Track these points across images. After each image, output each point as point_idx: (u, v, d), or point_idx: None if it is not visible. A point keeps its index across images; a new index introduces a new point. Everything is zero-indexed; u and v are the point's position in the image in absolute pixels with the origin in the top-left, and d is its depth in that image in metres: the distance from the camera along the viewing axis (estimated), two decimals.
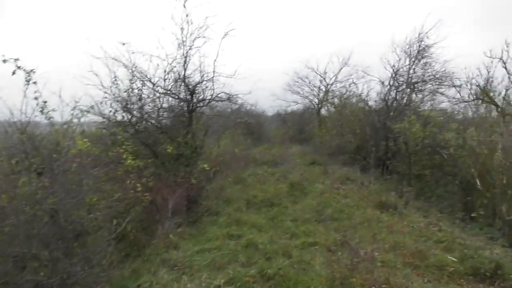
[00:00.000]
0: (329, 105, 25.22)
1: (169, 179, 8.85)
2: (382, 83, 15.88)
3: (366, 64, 27.09)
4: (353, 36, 52.74)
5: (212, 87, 10.50)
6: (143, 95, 9.98)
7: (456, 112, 13.87)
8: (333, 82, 25.37)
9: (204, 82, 10.44)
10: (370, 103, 17.04)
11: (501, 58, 8.70)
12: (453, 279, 5.67)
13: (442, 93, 15.03)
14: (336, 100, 23.52)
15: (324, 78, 25.72)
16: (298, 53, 57.36)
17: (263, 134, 31.76)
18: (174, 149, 9.58)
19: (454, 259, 5.63)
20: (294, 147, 25.82)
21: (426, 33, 14.32)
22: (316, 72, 26.24)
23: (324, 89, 26.15)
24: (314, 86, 26.70)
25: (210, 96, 10.61)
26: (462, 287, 5.32)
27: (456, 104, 14.50)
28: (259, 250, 6.68)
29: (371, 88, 17.83)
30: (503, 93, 9.65)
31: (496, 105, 9.47)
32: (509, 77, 8.76)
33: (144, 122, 10.44)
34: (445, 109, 14.78)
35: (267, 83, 54.64)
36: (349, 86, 21.10)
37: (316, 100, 26.86)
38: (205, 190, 11.05)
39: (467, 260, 5.89)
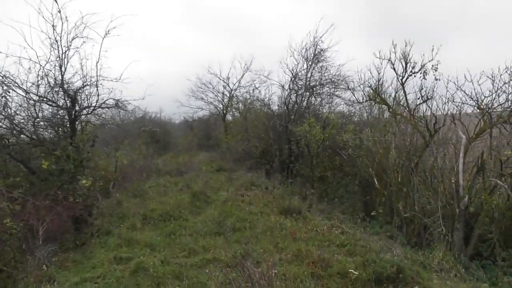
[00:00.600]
0: (233, 110, 24.87)
1: (45, 199, 7.55)
2: (282, 87, 15.82)
3: (267, 69, 27.26)
4: (253, 40, 53.39)
5: (96, 93, 9.32)
6: (8, 103, 8.46)
7: (352, 113, 14.22)
8: (236, 88, 25.08)
9: (87, 87, 9.22)
10: (273, 107, 16.90)
11: (389, 59, 8.83)
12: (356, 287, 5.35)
13: (338, 96, 15.36)
14: (240, 105, 23.23)
15: (228, 84, 25.35)
16: (198, 56, 56.57)
17: (170, 142, 30.50)
18: (51, 164, 8.25)
19: (355, 272, 5.29)
20: (201, 154, 25.02)
21: (320, 37, 14.53)
22: (219, 78, 25.75)
23: (228, 95, 25.72)
24: (218, 92, 26.22)
25: (95, 103, 9.41)
26: None
27: (351, 105, 14.89)
28: (149, 274, 5.79)
29: (273, 92, 17.75)
30: (393, 94, 9.88)
31: (388, 106, 9.66)
32: (397, 78, 8.91)
33: (15, 135, 8.94)
34: (342, 111, 15.09)
35: (168, 88, 53.18)
36: (252, 91, 20.90)
37: (221, 106, 26.37)
38: (96, 208, 9.82)
39: (370, 265, 5.60)
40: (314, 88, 15.39)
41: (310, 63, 14.58)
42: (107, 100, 9.71)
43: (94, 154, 10.97)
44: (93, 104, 9.38)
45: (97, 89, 9.38)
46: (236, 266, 5.73)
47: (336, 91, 15.15)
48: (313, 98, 15.68)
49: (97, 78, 9.22)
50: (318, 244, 7.05)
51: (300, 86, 15.51)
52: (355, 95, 13.45)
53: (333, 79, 14.98)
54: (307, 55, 14.63)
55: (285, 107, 15.51)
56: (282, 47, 31.93)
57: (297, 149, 13.47)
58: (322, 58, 14.47)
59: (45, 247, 6.56)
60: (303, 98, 15.16)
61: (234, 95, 25.01)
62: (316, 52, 14.37)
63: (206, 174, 16.41)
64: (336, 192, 11.43)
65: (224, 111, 25.91)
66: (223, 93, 25.92)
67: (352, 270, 5.27)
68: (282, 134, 14.93)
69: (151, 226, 8.77)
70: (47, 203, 7.46)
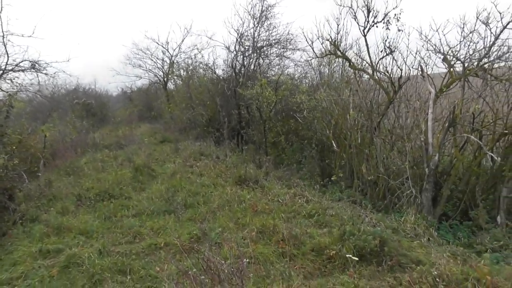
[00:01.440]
0: (175, 77, 23.12)
1: None
2: (228, 48, 14.48)
3: (210, 31, 25.43)
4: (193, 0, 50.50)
5: (5, 52, 7.60)
6: None
7: (303, 75, 13.30)
8: (177, 53, 23.19)
9: None
10: (218, 71, 15.56)
11: (350, 7, 7.88)
12: (337, 267, 4.49)
13: (287, 57, 14.35)
14: (182, 72, 21.57)
15: (167, 49, 23.36)
16: (135, 20, 52.90)
17: (108, 115, 28.23)
18: None
19: (355, 258, 4.39)
20: (143, 126, 23.26)
21: None
22: (157, 43, 23.68)
23: (168, 61, 23.79)
24: (157, 58, 24.14)
25: (5, 66, 7.69)
26: (352, 278, 4.11)
27: (301, 66, 13.98)
28: (83, 270, 4.58)
29: (218, 55, 16.31)
30: (354, 47, 8.92)
31: (348, 60, 8.77)
32: (359, 28, 7.99)
33: None
34: (292, 74, 14.10)
35: (102, 57, 49.53)
36: (195, 56, 19.29)
37: (162, 73, 24.40)
38: (19, 190, 8.25)
39: (348, 239, 4.75)
40: (262, 49, 14.23)
41: (257, 21, 13.34)
42: (21, 62, 8.02)
43: (14, 128, 9.23)
44: (2, 67, 7.65)
45: (6, 48, 7.66)
46: (192, 251, 4.66)
47: (285, 51, 14.12)
48: (261, 60, 14.53)
49: (2, 33, 7.48)
50: (283, 217, 6.13)
51: (246, 47, 14.29)
52: (307, 54, 12.61)
53: (281, 39, 13.90)
54: (253, 12, 13.37)
55: (231, 70, 14.26)
56: (226, 4, 29.94)
57: (247, 114, 12.41)
58: (270, 15, 13.28)
59: None
60: (251, 60, 13.97)
61: (175, 61, 23.18)
62: (263, 8, 13.15)
63: (150, 146, 14.96)
64: (292, 158, 10.58)
65: (165, 79, 24.06)
66: (162, 59, 23.98)
67: (351, 256, 4.36)
68: (230, 99, 13.75)
69: (87, 208, 7.39)
70: None
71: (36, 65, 8.11)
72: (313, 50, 8.90)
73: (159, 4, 51.94)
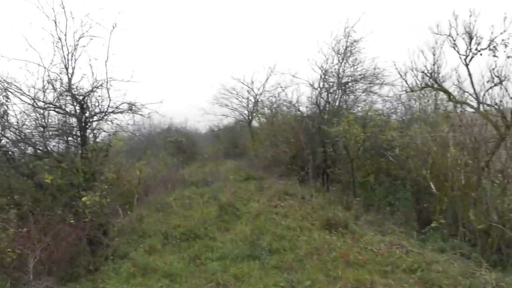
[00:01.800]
0: (259, 116, 23.34)
1: (46, 219, 6.22)
2: (312, 85, 14.18)
3: (294, 70, 25.52)
4: (276, 42, 51.53)
5: (108, 97, 8.02)
6: (8, 111, 7.28)
7: (391, 110, 12.45)
8: (261, 92, 23.53)
9: (97, 90, 7.94)
10: (302, 109, 15.29)
11: (449, 34, 7.13)
12: None
13: (374, 92, 13.64)
14: (266, 110, 21.72)
15: (252, 89, 23.84)
16: (222, 64, 55.35)
17: (196, 152, 29.30)
18: (57, 178, 6.96)
19: None
20: (228, 163, 23.59)
21: (352, 27, 12.83)
22: (243, 83, 24.30)
23: (253, 100, 24.22)
24: (243, 97, 24.72)
25: (107, 108, 8.10)
26: None
27: (393, 100, 13.15)
28: None
29: (302, 93, 16.07)
30: (453, 77, 8.01)
31: (448, 93, 7.91)
32: (460, 57, 7.18)
33: (21, 146, 7.75)
34: (380, 109, 13.32)
35: (191, 97, 52.32)
36: (278, 95, 19.31)
37: (246, 112, 24.89)
38: (112, 226, 8.49)
39: None
40: (347, 85, 13.72)
41: (341, 56, 12.94)
42: (120, 104, 8.43)
43: (111, 166, 9.66)
44: (104, 109, 8.08)
45: (108, 92, 8.09)
46: None
47: (372, 86, 13.44)
48: (345, 96, 13.99)
49: (107, 80, 7.92)
50: (379, 270, 5.41)
51: (331, 83, 13.89)
52: (396, 89, 11.88)
53: (366, 74, 13.27)
54: (338, 48, 13.00)
55: (316, 107, 13.91)
56: (309, 42, 29.84)
57: (333, 152, 11.84)
58: (355, 50, 12.80)
59: (38, 283, 5.18)
60: (336, 96, 13.51)
61: (259, 99, 23.50)
62: (348, 43, 12.73)
63: (234, 184, 14.93)
64: (383, 200, 9.72)
65: (250, 117, 24.44)
66: (247, 98, 24.47)
67: None
68: (315, 136, 13.32)
69: (173, 247, 7.29)
70: (46, 224, 6.15)
71: (133, 107, 8.44)
72: (406, 83, 8.15)
73: (245, 46, 54.07)
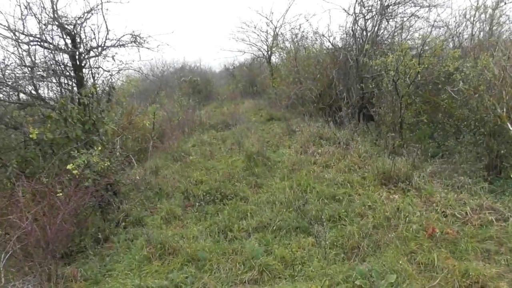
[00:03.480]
0: (279, 50, 21.07)
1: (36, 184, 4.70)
2: (346, 11, 11.89)
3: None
4: None
5: (106, 26, 6.19)
6: None
7: (450, 37, 10.25)
8: (281, 24, 21.07)
9: (90, 17, 6.09)
10: (332, 40, 13.09)
11: None
12: None
13: (420, 17, 11.37)
14: (287, 44, 19.43)
15: (271, 20, 21.31)
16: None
17: (212, 92, 27.52)
18: (47, 131, 5.36)
19: None
20: (247, 102, 21.78)
21: None
22: (261, 14, 21.75)
23: (272, 33, 21.73)
24: (261, 31, 22.18)
25: (104, 40, 6.30)
26: None
27: (440, 28, 10.98)
28: None
29: (331, 22, 13.77)
30: None
31: None
32: None
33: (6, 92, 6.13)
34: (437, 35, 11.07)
35: (205, 33, 49.19)
36: (300, 26, 16.93)
37: (265, 47, 22.47)
38: (123, 184, 7.05)
39: None
40: (388, 9, 11.43)
41: None
42: (122, 36, 6.61)
43: (117, 111, 8.02)
44: (103, 42, 6.27)
45: (105, 19, 6.24)
46: None
47: (418, 10, 11.14)
48: (386, 23, 11.74)
49: (101, 1, 6.04)
50: (482, 251, 3.83)
51: (368, 8, 11.60)
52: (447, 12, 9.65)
53: None
54: None
55: (351, 37, 11.76)
56: None
57: (376, 89, 9.93)
58: None
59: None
60: (377, 23, 11.29)
61: (280, 32, 21.06)
62: None
63: (257, 126, 13.29)
64: (443, 145, 7.98)
65: (269, 53, 22.13)
66: (266, 31, 21.96)
67: None
68: (350, 70, 11.32)
69: (196, 212, 5.80)
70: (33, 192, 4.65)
71: (138, 38, 6.61)
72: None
73: None
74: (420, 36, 7.90)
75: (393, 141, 8.39)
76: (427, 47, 8.35)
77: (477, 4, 10.60)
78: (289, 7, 20.60)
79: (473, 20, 10.85)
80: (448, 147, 7.78)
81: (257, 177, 7.06)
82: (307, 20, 17.61)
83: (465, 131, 7.60)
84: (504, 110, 6.88)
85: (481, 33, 10.71)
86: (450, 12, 13.34)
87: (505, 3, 10.11)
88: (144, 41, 6.75)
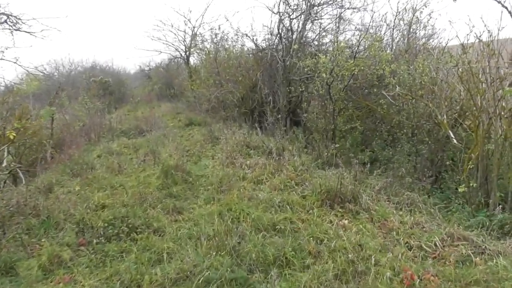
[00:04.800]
0: (197, 51, 19.58)
1: None
2: (271, 10, 10.81)
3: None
4: None
5: None
6: None
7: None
8: (200, 24, 19.49)
9: None
10: (257, 40, 11.98)
11: None
12: None
13: (345, 19, 10.75)
14: (207, 44, 18.03)
15: (189, 19, 19.64)
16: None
17: (126, 94, 25.10)
18: None
19: None
20: (163, 106, 19.94)
21: None
22: (178, 12, 20.02)
23: (190, 33, 20.09)
24: (179, 30, 20.41)
25: None
26: None
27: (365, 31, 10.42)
28: None
29: (254, 20, 12.66)
30: None
31: None
32: None
33: None
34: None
35: (120, 32, 45.85)
36: (219, 27, 15.62)
37: (183, 47, 20.75)
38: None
39: None
40: (313, 9, 10.60)
41: None
42: None
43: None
44: None
45: None
46: None
47: (343, 12, 10.48)
48: (311, 24, 10.93)
49: None
50: None
51: (293, 7, 10.69)
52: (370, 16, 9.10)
53: None
54: None
55: (277, 37, 10.73)
56: None
57: (305, 92, 8.94)
58: None
59: None
60: (305, 23, 10.38)
61: (198, 33, 19.56)
62: None
63: (175, 132, 11.70)
64: (380, 154, 7.19)
65: (187, 53, 20.50)
66: (184, 31, 20.28)
67: None
68: (277, 72, 10.27)
69: (92, 255, 4.16)
70: None
71: (13, 18, 4.75)
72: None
73: None
74: (346, 40, 7.09)
75: (327, 150, 7.45)
76: (361, 47, 7.55)
77: (397, 9, 10.28)
78: (208, 6, 19.05)
79: (393, 26, 10.51)
80: (386, 156, 7.01)
81: (175, 199, 5.59)
82: (227, 20, 16.22)
83: (403, 139, 6.90)
84: (445, 117, 6.26)
85: (401, 38, 10.41)
86: (371, 16, 12.76)
87: (421, 12, 9.86)
88: (23, 23, 4.90)
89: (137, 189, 6.05)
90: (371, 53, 7.17)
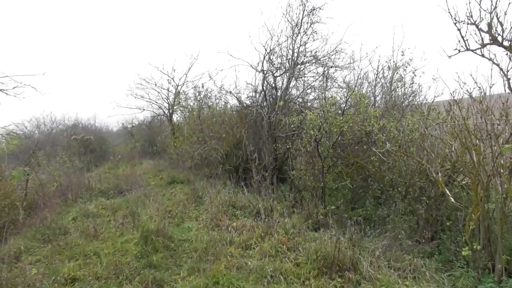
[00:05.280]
0: (181, 109, 19.44)
1: None
2: (254, 68, 10.80)
3: (231, 48, 21.45)
4: (200, 28, 46.76)
5: None
6: None
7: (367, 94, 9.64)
8: (184, 82, 19.54)
9: None
10: (240, 97, 11.89)
11: None
12: None
13: (329, 77, 10.79)
14: (190, 102, 17.95)
15: (173, 78, 19.66)
16: (139, 50, 48.99)
17: (107, 151, 24.47)
18: None
19: None
20: (145, 163, 19.40)
21: None
22: (162, 71, 20.14)
23: (174, 91, 20.06)
24: (162, 88, 20.37)
25: None
26: None
27: (346, 89, 10.44)
28: None
29: (238, 78, 12.68)
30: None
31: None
32: None
33: None
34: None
35: (103, 89, 46.00)
36: (202, 86, 15.62)
37: (166, 105, 20.61)
38: None
39: None
40: (297, 67, 10.61)
41: (298, 29, 9.77)
42: None
43: None
44: None
45: None
46: None
47: (328, 69, 10.51)
48: (295, 81, 10.91)
49: None
50: None
51: (277, 65, 10.71)
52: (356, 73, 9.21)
53: (322, 54, 10.30)
54: (292, 18, 9.79)
55: (261, 95, 10.63)
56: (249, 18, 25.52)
57: (292, 149, 8.64)
58: (314, 19, 9.66)
59: None
60: (289, 80, 10.32)
61: (182, 91, 19.55)
62: (305, 12, 9.57)
63: (157, 191, 11.10)
64: (374, 213, 6.78)
65: (171, 111, 20.33)
66: (168, 89, 20.25)
67: None
68: (262, 129, 10.03)
69: None
70: None
71: None
72: (462, 36, 4.83)
73: (165, 31, 48.46)
74: (330, 97, 6.97)
75: (317, 209, 7.01)
76: (348, 104, 7.40)
77: (377, 68, 10.44)
78: (192, 65, 19.19)
79: (375, 84, 10.61)
80: (380, 215, 6.60)
81: (155, 269, 4.95)
82: (211, 78, 16.19)
83: (397, 197, 6.54)
84: (439, 174, 5.97)
85: (383, 95, 10.47)
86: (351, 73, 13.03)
87: (404, 69, 10.01)
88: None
89: (113, 257, 5.40)
90: (359, 109, 6.99)
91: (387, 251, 5.18)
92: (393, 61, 9.68)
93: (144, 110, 21.37)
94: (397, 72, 9.99)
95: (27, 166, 10.60)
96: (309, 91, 10.73)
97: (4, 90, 4.73)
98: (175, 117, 20.46)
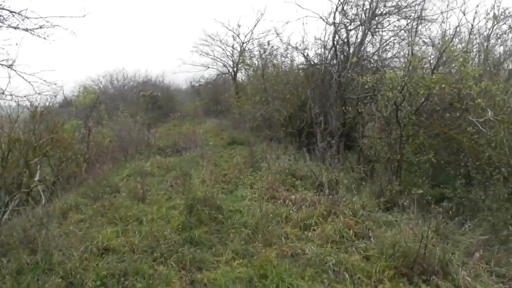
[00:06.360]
0: (246, 67, 18.50)
1: None
2: (325, 20, 9.37)
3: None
4: None
5: None
6: None
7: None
8: (249, 39, 18.45)
9: None
10: (307, 54, 10.58)
11: None
12: None
13: (412, 32, 9.05)
14: (255, 60, 16.91)
15: (238, 35, 18.65)
16: (205, 5, 47.63)
17: (174, 108, 24.48)
18: None
19: None
20: (209, 122, 18.96)
21: None
22: (227, 27, 19.16)
23: (239, 48, 19.08)
24: (227, 45, 19.50)
25: None
26: None
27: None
28: None
29: (306, 33, 11.29)
30: None
31: None
32: None
33: None
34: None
35: (171, 46, 46.06)
36: (268, 43, 14.38)
37: (231, 63, 19.80)
38: None
39: None
40: (374, 20, 9.03)
41: None
42: None
43: None
44: None
45: None
46: None
47: (412, 22, 8.80)
48: (371, 37, 9.35)
49: None
50: None
51: (351, 17, 9.20)
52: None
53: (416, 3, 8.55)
54: None
55: (329, 51, 9.28)
56: None
57: (365, 114, 7.37)
58: None
59: None
60: (359, 35, 8.84)
61: (247, 48, 18.49)
62: None
63: (215, 151, 10.49)
64: (466, 197, 5.46)
65: (235, 69, 19.48)
66: (232, 46, 19.31)
67: None
68: (330, 91, 8.78)
69: None
70: None
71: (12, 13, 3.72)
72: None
73: None
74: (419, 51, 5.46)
75: (391, 186, 5.82)
76: (442, 61, 5.90)
77: (473, 21, 8.52)
78: (258, 21, 17.96)
79: (468, 40, 8.73)
80: (473, 200, 5.25)
81: (196, 247, 4.21)
82: (278, 35, 14.96)
83: (497, 180, 5.13)
84: None
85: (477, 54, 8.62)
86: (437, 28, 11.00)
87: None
88: (23, 18, 3.84)
89: (155, 225, 4.77)
90: (454, 67, 5.50)
91: (486, 250, 3.94)
92: (497, 11, 7.76)
93: (208, 67, 20.82)
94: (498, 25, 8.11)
95: (88, 119, 10.51)
96: (387, 47, 9.12)
97: (30, 29, 4.08)
98: (239, 76, 19.70)
